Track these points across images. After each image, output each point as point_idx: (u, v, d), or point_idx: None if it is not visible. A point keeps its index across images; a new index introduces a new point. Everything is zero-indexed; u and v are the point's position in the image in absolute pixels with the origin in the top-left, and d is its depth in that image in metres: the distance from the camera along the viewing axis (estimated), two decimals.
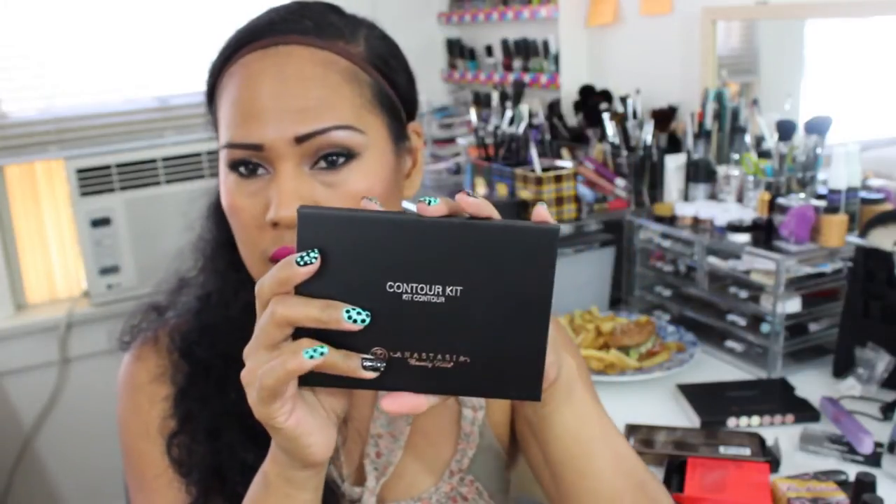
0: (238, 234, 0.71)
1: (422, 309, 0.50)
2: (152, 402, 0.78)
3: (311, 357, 0.49)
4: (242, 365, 0.61)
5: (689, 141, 1.74)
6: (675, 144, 1.88)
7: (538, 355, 0.52)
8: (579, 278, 1.79)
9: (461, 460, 0.80)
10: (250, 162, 0.68)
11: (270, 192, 0.68)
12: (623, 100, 2.02)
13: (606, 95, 2.13)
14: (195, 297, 0.80)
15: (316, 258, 0.49)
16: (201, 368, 0.76)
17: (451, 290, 0.50)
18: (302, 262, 0.49)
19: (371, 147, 0.70)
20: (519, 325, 0.51)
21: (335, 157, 0.68)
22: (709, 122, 1.74)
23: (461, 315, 0.50)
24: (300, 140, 0.66)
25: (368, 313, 0.49)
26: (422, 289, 0.49)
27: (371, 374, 0.50)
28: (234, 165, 0.69)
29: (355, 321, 0.49)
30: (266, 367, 0.50)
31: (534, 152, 1.85)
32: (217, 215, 0.80)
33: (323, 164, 0.68)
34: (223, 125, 0.70)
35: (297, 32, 0.70)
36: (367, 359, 0.50)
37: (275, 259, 0.68)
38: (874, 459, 1.12)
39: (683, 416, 1.30)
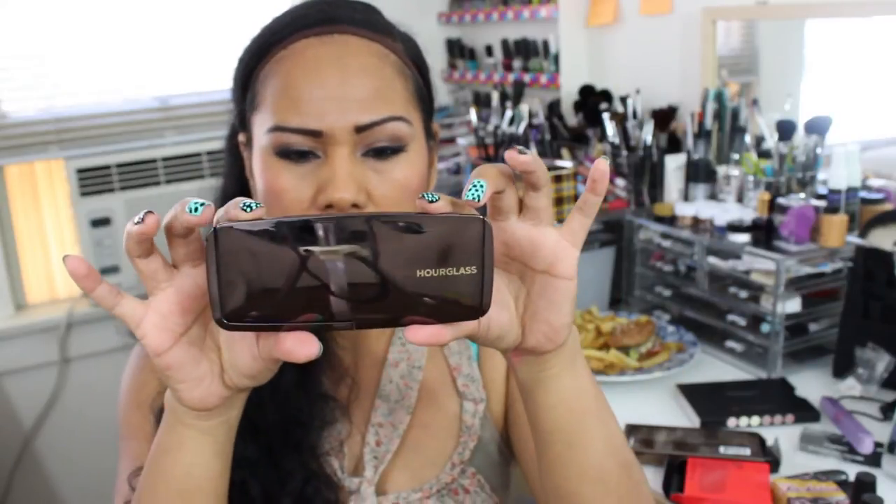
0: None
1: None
2: (149, 379, 0.80)
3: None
4: None
5: (689, 141, 1.74)
6: (675, 144, 1.88)
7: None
8: (579, 278, 1.79)
9: (463, 452, 0.81)
10: (301, 148, 0.69)
11: (322, 176, 0.69)
12: (623, 100, 2.02)
13: (606, 95, 2.13)
14: None
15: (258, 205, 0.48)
16: None
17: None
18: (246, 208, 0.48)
19: (415, 139, 0.73)
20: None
21: (386, 148, 0.70)
22: (709, 122, 1.74)
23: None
24: (360, 129, 0.68)
25: (203, 203, 0.48)
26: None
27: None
28: (282, 149, 0.70)
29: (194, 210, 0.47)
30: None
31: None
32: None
33: (373, 152, 0.70)
34: (269, 108, 0.70)
35: (351, 23, 0.72)
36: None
37: None
38: (874, 459, 1.12)
39: (683, 416, 1.30)
